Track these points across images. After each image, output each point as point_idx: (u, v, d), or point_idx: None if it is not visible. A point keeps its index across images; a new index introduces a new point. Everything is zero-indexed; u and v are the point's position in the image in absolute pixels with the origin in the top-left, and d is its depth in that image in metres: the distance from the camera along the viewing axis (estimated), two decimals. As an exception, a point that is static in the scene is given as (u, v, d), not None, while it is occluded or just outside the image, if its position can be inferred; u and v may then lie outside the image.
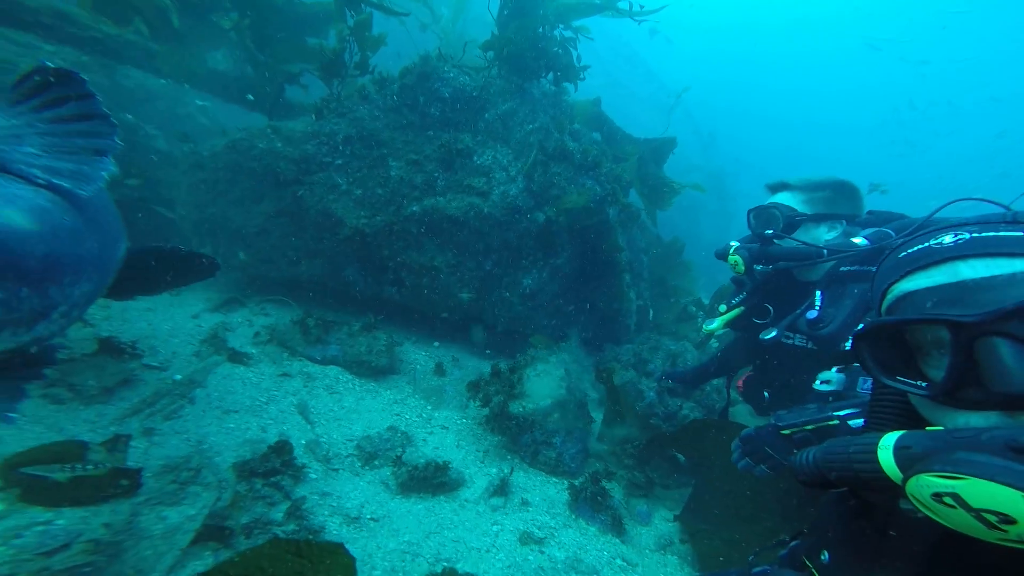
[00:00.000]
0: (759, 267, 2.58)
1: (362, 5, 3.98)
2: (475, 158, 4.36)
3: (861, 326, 0.97)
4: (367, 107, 4.29)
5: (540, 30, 4.25)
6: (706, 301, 5.96)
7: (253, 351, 3.60)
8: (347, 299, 4.53)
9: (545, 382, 3.58)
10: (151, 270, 2.24)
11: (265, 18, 4.48)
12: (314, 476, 2.59)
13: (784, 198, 2.66)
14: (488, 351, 4.61)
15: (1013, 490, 0.65)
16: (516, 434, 3.36)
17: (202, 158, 4.37)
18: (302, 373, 3.50)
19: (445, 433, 3.33)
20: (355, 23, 4.10)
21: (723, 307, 2.92)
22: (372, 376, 3.73)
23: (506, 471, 2.99)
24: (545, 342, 4.37)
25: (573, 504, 2.88)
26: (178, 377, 3.03)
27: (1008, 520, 0.67)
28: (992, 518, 0.68)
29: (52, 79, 1.50)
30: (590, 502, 2.85)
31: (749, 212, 2.78)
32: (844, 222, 2.59)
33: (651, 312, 5.65)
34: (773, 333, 2.54)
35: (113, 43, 4.41)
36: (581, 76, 4.40)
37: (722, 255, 2.72)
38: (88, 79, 1.55)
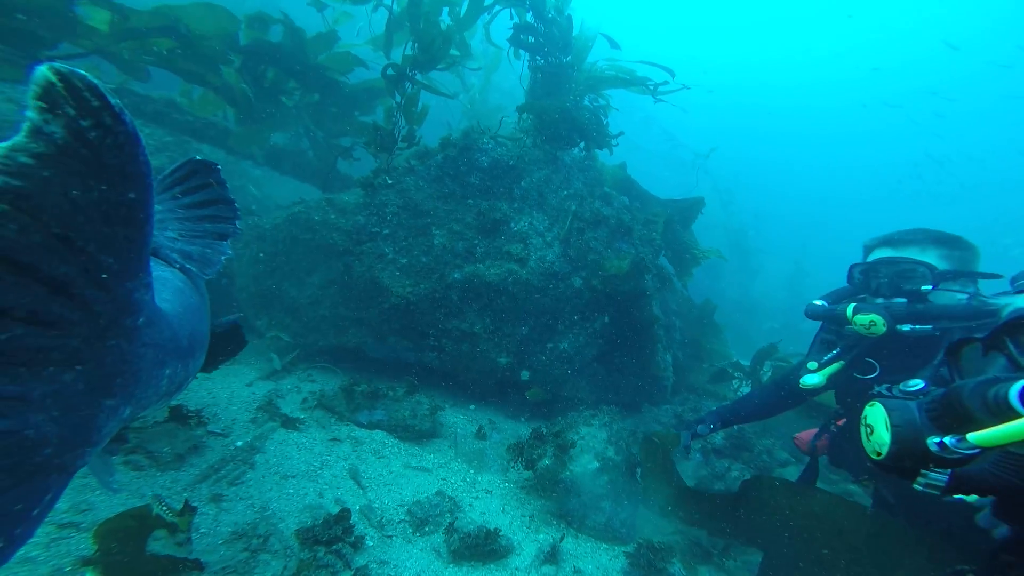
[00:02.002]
0: (906, 327, 2.35)
1: (408, 84, 4.36)
2: (512, 225, 4.59)
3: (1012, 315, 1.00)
4: (412, 178, 4.61)
5: (572, 99, 4.56)
6: (745, 363, 5.92)
7: (304, 416, 3.73)
8: (388, 364, 4.67)
9: (590, 444, 3.59)
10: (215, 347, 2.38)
11: (323, 97, 4.94)
12: (370, 543, 2.63)
13: (913, 253, 2.51)
14: (524, 415, 4.65)
15: None
16: (562, 498, 3.35)
17: (264, 230, 4.72)
18: (350, 438, 3.60)
19: (490, 498, 3.34)
20: (404, 100, 4.50)
21: (813, 363, 2.75)
22: (415, 440, 3.80)
23: (556, 537, 2.98)
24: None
25: (630, 573, 2.83)
26: (240, 443, 3.16)
27: None
28: None
29: (197, 169, 1.68)
30: (646, 570, 2.79)
31: (857, 267, 2.67)
32: (977, 281, 2.49)
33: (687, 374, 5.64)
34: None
35: (199, 124, 4.97)
36: (614, 143, 4.67)
37: (832, 316, 2.56)
38: (220, 167, 1.72)
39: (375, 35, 5.02)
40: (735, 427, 4.58)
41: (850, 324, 2.47)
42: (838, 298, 2.75)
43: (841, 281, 2.85)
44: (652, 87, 4.93)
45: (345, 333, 4.67)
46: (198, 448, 2.93)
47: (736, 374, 5.72)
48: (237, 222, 1.69)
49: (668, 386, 5.06)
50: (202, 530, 2.33)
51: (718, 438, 4.53)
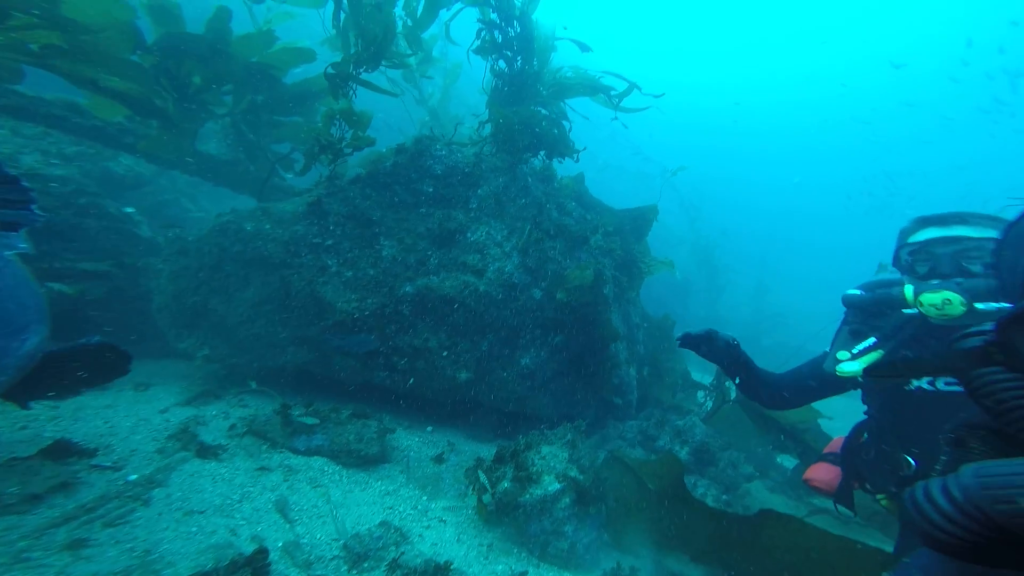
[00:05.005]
0: (988, 305, 2.06)
1: (351, 83, 4.09)
2: (469, 235, 4.34)
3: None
4: (358, 186, 4.31)
5: (534, 108, 4.41)
6: (704, 380, 5.72)
7: (228, 443, 3.21)
8: (335, 386, 4.21)
9: (551, 465, 3.23)
10: (62, 369, 2.01)
11: (264, 98, 4.59)
12: (292, 586, 2.15)
13: (966, 232, 2.28)
14: (487, 434, 4.25)
15: None
16: (523, 524, 2.95)
17: (187, 243, 4.26)
18: (283, 466, 3.10)
19: (443, 527, 2.90)
20: (345, 101, 4.19)
21: (844, 353, 2.41)
22: (362, 466, 3.33)
23: (516, 569, 2.56)
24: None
25: (601, 606, 2.43)
26: (133, 477, 2.62)
27: None
28: None
29: None
30: (621, 602, 2.41)
31: (905, 248, 2.39)
32: None
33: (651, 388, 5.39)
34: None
35: (112, 130, 4.48)
36: (575, 156, 4.52)
37: (884, 300, 2.29)
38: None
39: (330, 36, 4.75)
40: (701, 439, 4.33)
41: (910, 307, 2.18)
42: (878, 286, 2.47)
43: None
44: (616, 98, 4.86)
45: (284, 353, 4.20)
46: (69, 485, 2.38)
47: (700, 390, 5.52)
48: (33, 207, 1.34)
49: (633, 401, 4.79)
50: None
51: (683, 453, 4.25)
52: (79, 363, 2.09)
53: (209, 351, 4.18)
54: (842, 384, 2.52)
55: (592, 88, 4.52)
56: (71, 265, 4.34)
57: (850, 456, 2.58)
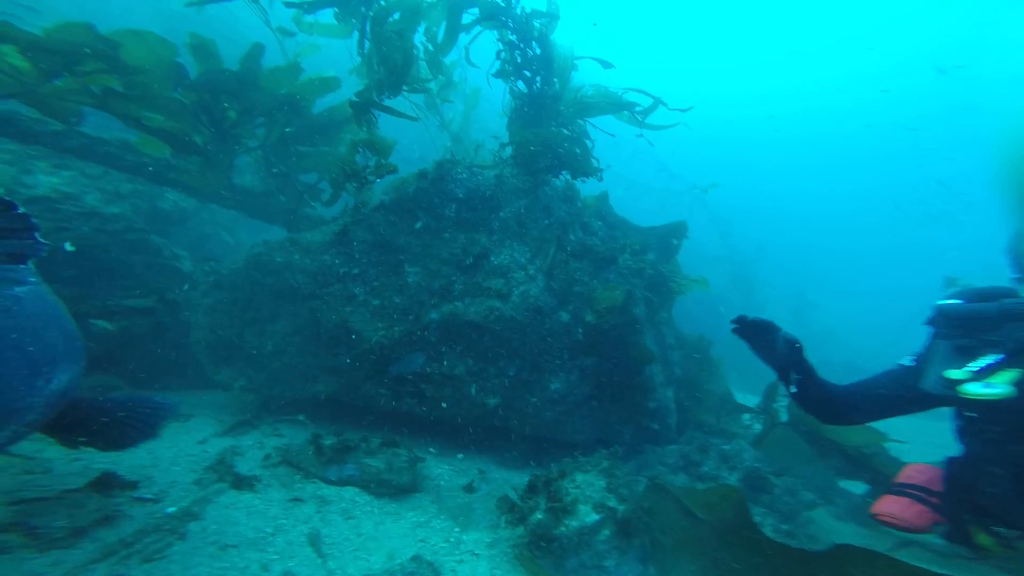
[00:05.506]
0: None
1: (373, 112, 4.20)
2: (492, 258, 4.34)
3: None
4: (383, 213, 4.37)
5: (555, 128, 4.41)
6: (750, 401, 5.49)
7: (262, 473, 3.25)
8: (365, 414, 4.25)
9: (587, 494, 3.13)
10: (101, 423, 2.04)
11: (287, 131, 4.74)
12: (324, 625, 2.12)
13: None
14: (518, 461, 4.17)
15: None
16: (559, 558, 2.85)
17: (221, 277, 4.40)
18: (315, 497, 3.11)
19: (476, 560, 2.83)
20: (368, 128, 4.28)
21: (956, 372, 2.13)
22: (393, 496, 3.31)
23: (555, 607, 2.47)
24: None
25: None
26: (171, 510, 2.67)
27: None
28: None
29: None
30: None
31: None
32: None
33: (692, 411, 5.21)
34: None
35: (159, 167, 4.72)
36: (598, 175, 4.49)
37: (1008, 312, 2.06)
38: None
39: (356, 64, 4.92)
40: (751, 464, 4.13)
41: None
42: (986, 296, 2.24)
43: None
44: (641, 115, 4.83)
45: (315, 383, 4.26)
46: (112, 519, 2.44)
47: (745, 413, 5.30)
48: (36, 234, 1.30)
49: (672, 424, 4.64)
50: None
51: (732, 479, 4.06)
52: (117, 416, 2.13)
53: (245, 382, 4.28)
54: (928, 402, 2.29)
55: (615, 106, 4.51)
56: (118, 302, 4.54)
57: (962, 490, 2.32)
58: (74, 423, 1.98)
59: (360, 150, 4.13)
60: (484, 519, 3.21)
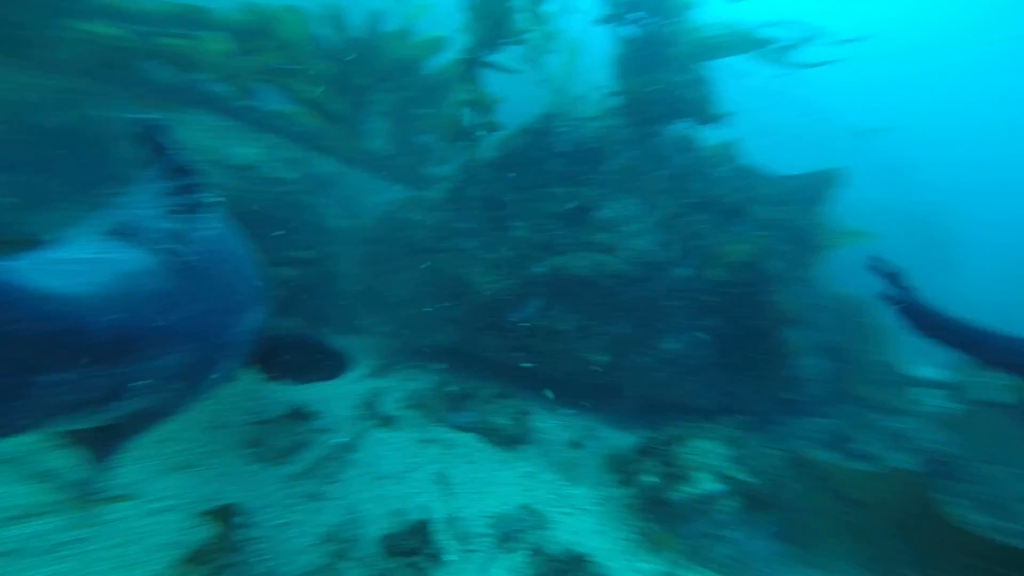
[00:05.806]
0: None
1: (475, 70, 4.22)
2: (598, 211, 4.23)
3: None
4: (489, 170, 4.46)
5: (669, 74, 4.04)
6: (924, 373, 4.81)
7: (400, 414, 3.82)
8: (482, 364, 4.60)
9: (708, 462, 3.12)
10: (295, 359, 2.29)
11: (404, 94, 5.00)
12: (451, 558, 2.55)
13: None
14: (628, 422, 4.28)
15: None
16: (670, 522, 2.96)
17: (363, 231, 4.95)
18: (441, 440, 3.59)
19: (583, 515, 3.08)
20: (473, 89, 4.35)
21: None
22: (505, 445, 3.67)
23: (663, 570, 2.64)
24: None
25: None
26: (338, 441, 3.31)
27: None
28: None
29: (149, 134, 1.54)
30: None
31: None
32: None
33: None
34: None
35: (312, 134, 5.33)
36: (723, 121, 4.06)
37: None
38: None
39: (461, 22, 4.95)
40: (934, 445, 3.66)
41: None
42: None
43: None
44: (780, 51, 4.16)
45: (439, 331, 4.71)
46: (302, 446, 3.17)
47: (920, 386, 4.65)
48: (209, 191, 1.45)
49: (815, 395, 4.32)
50: (293, 531, 2.43)
51: (902, 460, 3.67)
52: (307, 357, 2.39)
53: (386, 329, 4.89)
54: None
55: (744, 44, 3.91)
56: (290, 254, 5.35)
57: None
58: (268, 357, 2.18)
59: (467, 108, 4.21)
60: (590, 476, 3.43)
